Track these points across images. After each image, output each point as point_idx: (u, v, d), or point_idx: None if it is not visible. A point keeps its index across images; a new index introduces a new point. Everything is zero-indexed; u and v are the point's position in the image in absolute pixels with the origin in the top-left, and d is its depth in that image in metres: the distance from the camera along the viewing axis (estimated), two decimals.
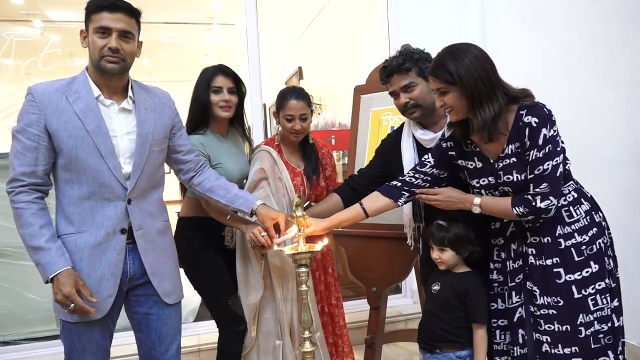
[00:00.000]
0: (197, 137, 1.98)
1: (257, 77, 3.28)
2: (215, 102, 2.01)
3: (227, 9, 5.41)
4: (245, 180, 2.12)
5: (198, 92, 2.03)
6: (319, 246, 1.76)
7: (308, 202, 2.15)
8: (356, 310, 3.29)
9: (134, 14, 1.58)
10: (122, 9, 1.54)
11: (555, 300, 1.57)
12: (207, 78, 2.01)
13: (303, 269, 1.71)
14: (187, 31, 5.99)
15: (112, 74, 1.57)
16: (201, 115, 2.04)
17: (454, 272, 1.81)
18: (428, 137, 1.92)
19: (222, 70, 2.03)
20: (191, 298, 3.03)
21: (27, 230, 1.48)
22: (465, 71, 1.52)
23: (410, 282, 3.35)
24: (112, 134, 1.57)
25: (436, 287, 1.82)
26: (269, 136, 5.19)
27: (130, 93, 1.64)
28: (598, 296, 1.57)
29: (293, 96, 2.07)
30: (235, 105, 2.06)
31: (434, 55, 1.75)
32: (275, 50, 5.75)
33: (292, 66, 5.25)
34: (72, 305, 1.48)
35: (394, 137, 2.07)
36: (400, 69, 1.87)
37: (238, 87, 2.06)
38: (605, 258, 1.61)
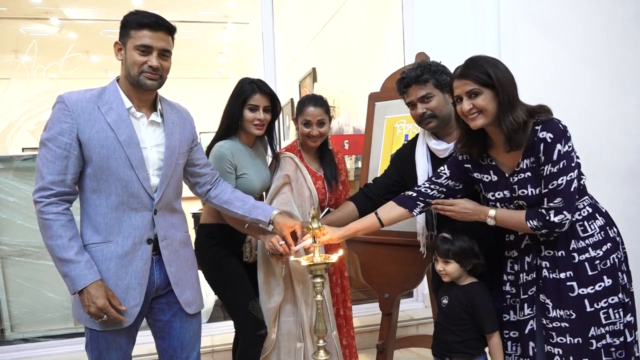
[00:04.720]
0: (226, 147, 2.01)
1: (272, 77, 3.31)
2: (250, 120, 2.03)
3: (242, 8, 5.44)
4: (264, 193, 2.18)
5: (233, 106, 2.04)
6: (334, 257, 1.81)
7: (327, 209, 2.21)
8: (368, 313, 3.32)
9: (172, 32, 1.62)
10: (163, 27, 1.57)
11: (568, 313, 1.60)
12: (245, 95, 2.02)
13: (318, 280, 1.75)
14: (201, 29, 6.05)
15: (151, 90, 1.61)
16: (232, 127, 2.07)
17: (460, 285, 1.84)
18: (442, 147, 1.95)
19: (260, 88, 2.04)
20: (205, 299, 3.08)
21: (56, 242, 1.49)
22: (502, 74, 1.56)
23: (422, 286, 3.36)
24: (142, 145, 1.60)
25: (445, 301, 1.86)
26: (281, 135, 5.27)
27: (159, 106, 1.68)
28: (610, 310, 1.59)
29: (311, 103, 2.16)
30: (268, 122, 2.09)
31: (450, 68, 1.78)
32: (289, 50, 5.76)
33: (306, 67, 5.26)
34: (105, 316, 1.52)
35: (409, 148, 2.10)
36: (418, 80, 1.90)
37: (273, 105, 2.08)
38: (619, 273, 1.63)
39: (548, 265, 1.64)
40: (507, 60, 1.64)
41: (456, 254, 1.79)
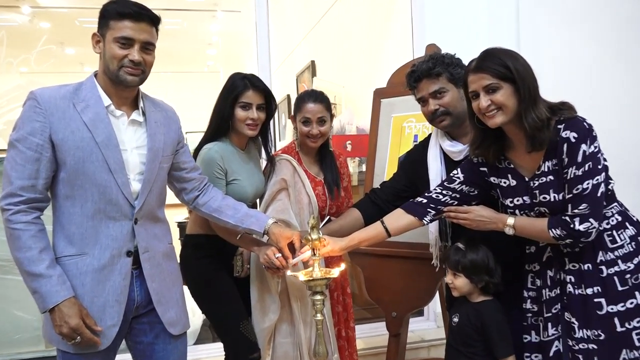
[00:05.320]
0: (216, 149, 2.02)
1: (266, 71, 3.33)
2: (242, 119, 2.03)
3: None
4: (258, 200, 2.19)
5: (224, 104, 2.05)
6: (336, 272, 1.81)
7: (328, 218, 2.22)
8: (373, 334, 3.32)
9: (156, 22, 1.63)
10: (146, 17, 1.58)
11: (596, 333, 1.59)
12: (236, 92, 2.03)
13: (318, 297, 1.74)
14: (188, 18, 6.08)
15: (132, 86, 1.62)
16: (222, 128, 2.07)
17: (471, 302, 1.84)
18: (457, 149, 1.96)
19: (253, 84, 2.05)
20: (191, 318, 3.08)
21: (25, 255, 1.49)
22: (522, 66, 1.58)
23: (434, 304, 3.36)
24: (121, 147, 1.60)
25: (455, 319, 1.87)
26: (277, 136, 5.28)
27: (141, 104, 1.69)
28: None
29: (311, 99, 2.18)
30: (262, 122, 2.10)
31: (465, 61, 1.79)
32: (285, 41, 5.78)
33: (303, 60, 5.28)
34: (79, 338, 1.52)
35: (420, 149, 2.11)
36: (430, 73, 1.91)
37: (268, 103, 2.10)
38: None
39: (573, 279, 1.64)
40: (527, 52, 1.66)
41: (466, 268, 1.80)
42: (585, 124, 1.57)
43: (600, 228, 1.61)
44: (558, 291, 1.69)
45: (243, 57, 6.32)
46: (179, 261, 1.91)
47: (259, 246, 1.98)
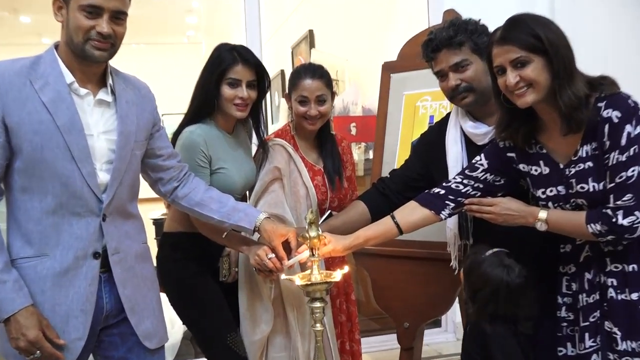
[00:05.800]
0: (198, 133, 2.01)
1: (257, 43, 3.34)
2: (230, 98, 2.02)
3: None
4: (248, 192, 2.19)
5: (208, 80, 2.04)
6: (338, 275, 1.80)
7: (329, 212, 2.22)
8: (382, 348, 3.34)
9: None
10: None
11: None
12: (223, 66, 2.02)
13: (318, 304, 1.74)
14: None
15: (99, 62, 1.61)
16: (206, 108, 2.06)
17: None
18: (480, 131, 1.95)
19: (243, 57, 2.03)
20: (170, 330, 3.08)
21: None
22: (556, 36, 1.57)
23: (452, 313, 3.38)
24: (86, 131, 1.59)
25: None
26: (269, 117, 5.28)
27: (109, 81, 1.68)
28: None
29: (308, 74, 2.17)
30: (253, 101, 2.09)
31: (490, 30, 1.78)
32: (278, 7, 5.78)
33: (299, 30, 5.28)
34: (38, 352, 1.52)
35: (437, 131, 2.11)
36: (450, 42, 1.90)
37: (259, 80, 2.09)
38: None
39: (615, 283, 1.64)
40: (562, 21, 1.65)
41: (464, 270, 1.79)
42: (630, 101, 1.56)
43: None
44: (597, 297, 1.68)
45: (229, 26, 6.29)
46: (155, 264, 1.92)
47: (248, 246, 1.98)
